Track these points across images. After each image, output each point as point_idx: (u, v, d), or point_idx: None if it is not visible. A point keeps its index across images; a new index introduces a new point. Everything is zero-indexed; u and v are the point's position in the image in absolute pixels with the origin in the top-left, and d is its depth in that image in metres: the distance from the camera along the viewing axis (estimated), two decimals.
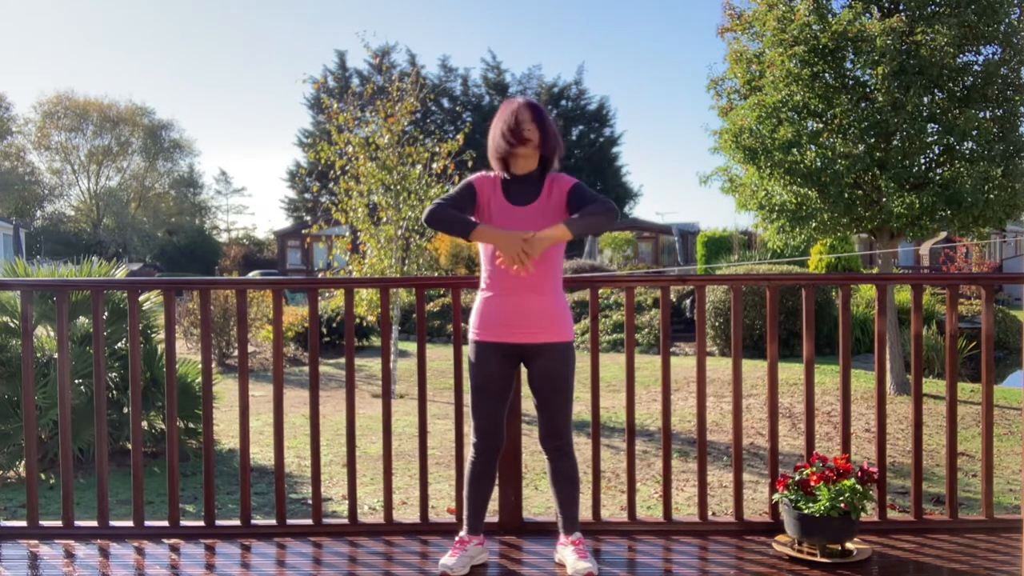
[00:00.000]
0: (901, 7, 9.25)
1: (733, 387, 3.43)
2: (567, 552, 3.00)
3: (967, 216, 9.13)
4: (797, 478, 3.13)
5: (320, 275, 25.28)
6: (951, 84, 9.18)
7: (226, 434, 7.67)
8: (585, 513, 3.43)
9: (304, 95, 45.53)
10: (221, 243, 49.45)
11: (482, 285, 3.03)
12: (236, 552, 3.27)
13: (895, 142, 9.12)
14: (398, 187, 10.38)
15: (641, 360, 11.67)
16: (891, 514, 3.68)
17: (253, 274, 35.16)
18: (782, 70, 9.15)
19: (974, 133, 8.84)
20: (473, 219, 2.95)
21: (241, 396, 3.45)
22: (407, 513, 4.90)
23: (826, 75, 9.27)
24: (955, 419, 3.42)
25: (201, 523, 3.47)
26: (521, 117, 2.93)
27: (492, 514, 3.37)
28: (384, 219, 10.43)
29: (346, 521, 3.50)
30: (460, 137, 10.72)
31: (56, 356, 4.00)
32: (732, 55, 10.05)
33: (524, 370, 3.08)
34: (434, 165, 10.62)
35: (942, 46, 8.71)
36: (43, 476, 6.17)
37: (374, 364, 12.75)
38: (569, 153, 43.51)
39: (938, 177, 9.31)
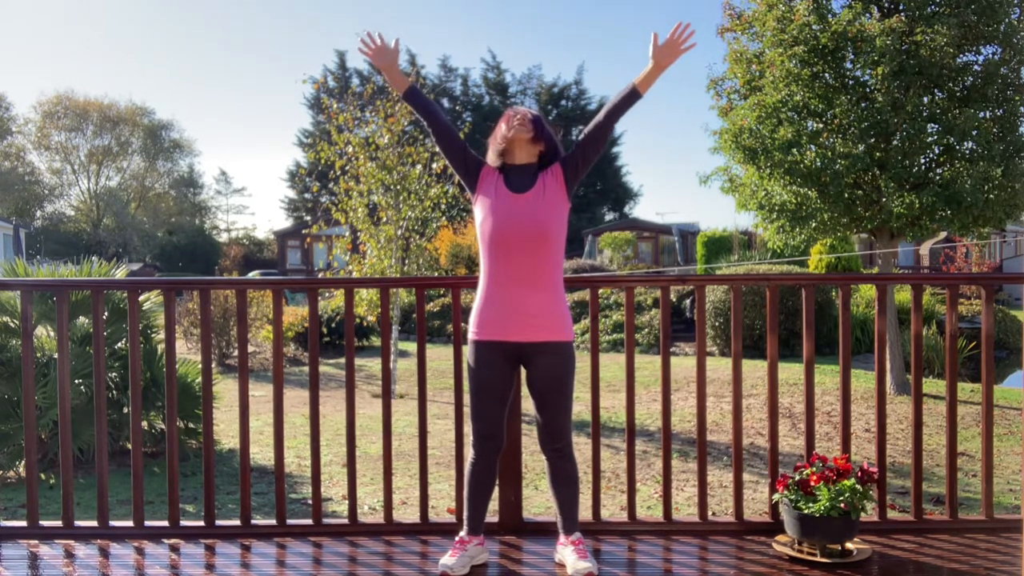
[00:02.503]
0: (901, 7, 9.25)
1: (733, 387, 3.43)
2: (567, 552, 3.00)
3: (967, 216, 9.13)
4: (797, 478, 3.12)
5: (320, 275, 25.28)
6: (951, 84, 9.18)
7: (226, 434, 7.67)
8: (585, 513, 3.43)
9: (304, 95, 45.64)
10: (221, 243, 49.45)
11: (481, 281, 3.03)
12: (236, 552, 3.27)
13: (895, 142, 9.12)
14: (398, 187, 10.38)
15: (641, 360, 11.67)
16: (891, 514, 3.68)
17: (253, 274, 35.15)
18: (782, 70, 9.15)
19: (974, 133, 8.84)
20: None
21: (241, 396, 3.45)
22: (407, 513, 4.90)
23: (826, 75, 9.27)
24: (955, 419, 3.42)
25: (201, 523, 3.47)
26: (519, 111, 3.05)
27: (492, 514, 3.37)
28: (384, 219, 10.43)
29: (346, 521, 3.50)
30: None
31: (56, 356, 4.00)
32: (732, 55, 10.06)
33: (524, 371, 3.08)
34: (434, 165, 10.62)
35: (942, 46, 8.72)
36: (43, 476, 6.17)
37: (374, 364, 12.75)
38: None
39: (938, 177, 9.31)
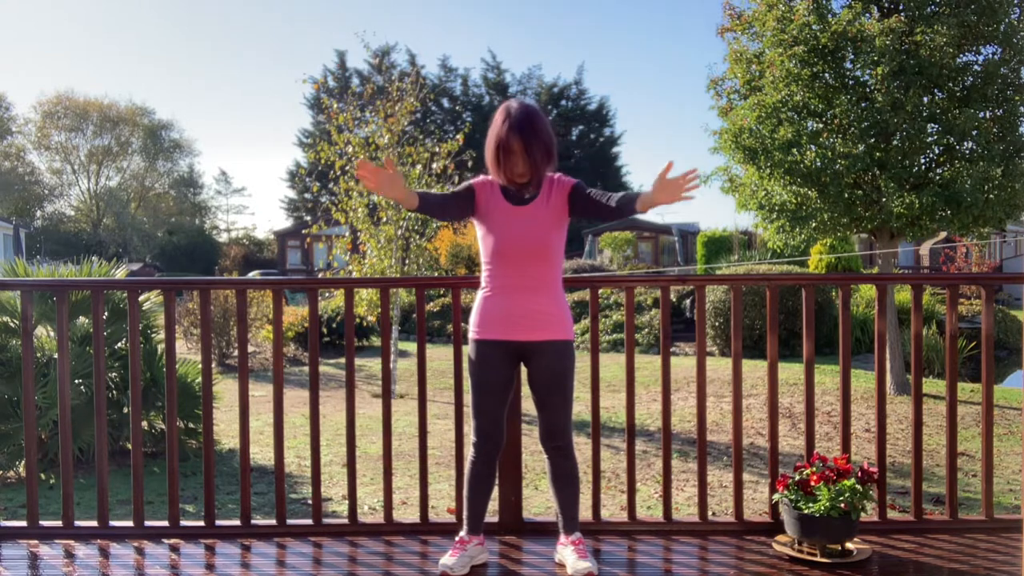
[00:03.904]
0: (901, 7, 9.25)
1: (733, 387, 3.43)
2: (567, 552, 3.00)
3: (967, 216, 9.13)
4: (797, 478, 3.12)
5: (320, 275, 25.28)
6: (951, 84, 9.18)
7: (226, 434, 7.67)
8: (585, 513, 3.43)
9: (304, 95, 45.66)
10: (221, 243, 49.44)
11: (482, 284, 3.03)
12: (236, 552, 3.27)
13: (895, 142, 9.12)
14: None
15: (641, 360, 11.67)
16: (891, 514, 3.68)
17: (253, 274, 35.15)
18: (782, 70, 9.15)
19: (974, 133, 8.84)
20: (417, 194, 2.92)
21: (241, 396, 3.45)
22: (407, 513, 4.90)
23: (826, 75, 9.27)
24: (955, 419, 3.42)
25: (201, 523, 3.47)
26: (510, 147, 2.85)
27: (492, 514, 3.37)
28: (384, 219, 10.43)
29: (346, 521, 3.49)
30: (460, 137, 10.73)
31: (56, 356, 4.00)
32: (732, 55, 10.06)
33: (524, 370, 3.08)
34: (434, 165, 10.62)
35: (942, 46, 8.72)
36: (43, 476, 6.17)
37: (374, 364, 12.75)
38: (569, 153, 43.49)
39: (938, 177, 9.31)
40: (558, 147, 3.05)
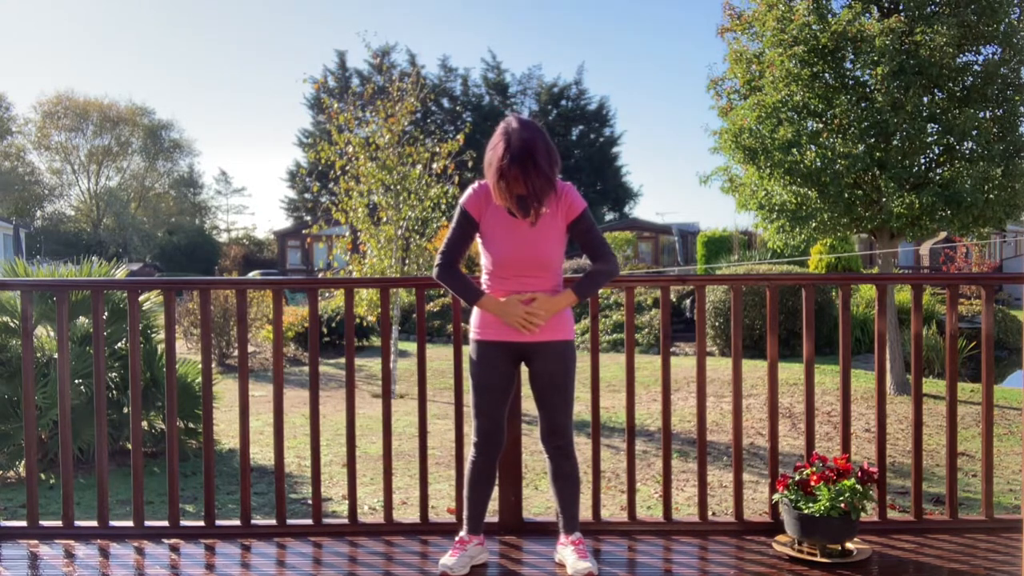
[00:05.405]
0: (901, 7, 9.25)
1: (733, 387, 3.43)
2: (567, 552, 3.00)
3: (967, 216, 9.13)
4: (797, 478, 3.12)
5: (320, 275, 25.27)
6: (951, 84, 9.19)
7: (226, 434, 7.67)
8: (585, 513, 3.43)
9: (304, 95, 45.60)
10: (221, 243, 49.44)
11: (483, 285, 3.03)
12: (236, 552, 3.27)
13: (895, 142, 9.13)
14: (398, 187, 10.38)
15: (641, 360, 11.67)
16: (891, 514, 3.68)
17: (253, 274, 35.15)
18: (782, 70, 9.16)
19: (974, 133, 8.84)
20: (477, 288, 2.97)
21: (241, 396, 3.45)
22: (407, 513, 4.90)
23: (826, 75, 9.27)
24: (955, 419, 3.42)
25: (201, 523, 3.47)
26: (510, 176, 2.74)
27: (492, 514, 3.37)
28: (384, 219, 10.43)
29: (346, 521, 3.50)
30: (460, 137, 10.73)
31: (56, 356, 4.00)
32: (732, 55, 10.06)
33: (525, 370, 3.08)
34: (434, 165, 10.62)
35: (941, 46, 8.72)
36: (43, 476, 6.17)
37: (374, 364, 12.75)
38: (569, 153, 43.48)
39: (938, 177, 9.32)
40: (559, 150, 3.02)
